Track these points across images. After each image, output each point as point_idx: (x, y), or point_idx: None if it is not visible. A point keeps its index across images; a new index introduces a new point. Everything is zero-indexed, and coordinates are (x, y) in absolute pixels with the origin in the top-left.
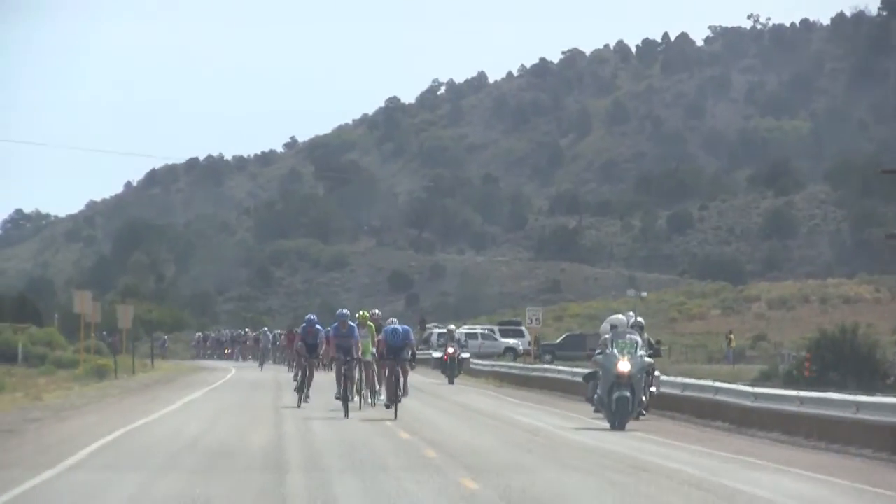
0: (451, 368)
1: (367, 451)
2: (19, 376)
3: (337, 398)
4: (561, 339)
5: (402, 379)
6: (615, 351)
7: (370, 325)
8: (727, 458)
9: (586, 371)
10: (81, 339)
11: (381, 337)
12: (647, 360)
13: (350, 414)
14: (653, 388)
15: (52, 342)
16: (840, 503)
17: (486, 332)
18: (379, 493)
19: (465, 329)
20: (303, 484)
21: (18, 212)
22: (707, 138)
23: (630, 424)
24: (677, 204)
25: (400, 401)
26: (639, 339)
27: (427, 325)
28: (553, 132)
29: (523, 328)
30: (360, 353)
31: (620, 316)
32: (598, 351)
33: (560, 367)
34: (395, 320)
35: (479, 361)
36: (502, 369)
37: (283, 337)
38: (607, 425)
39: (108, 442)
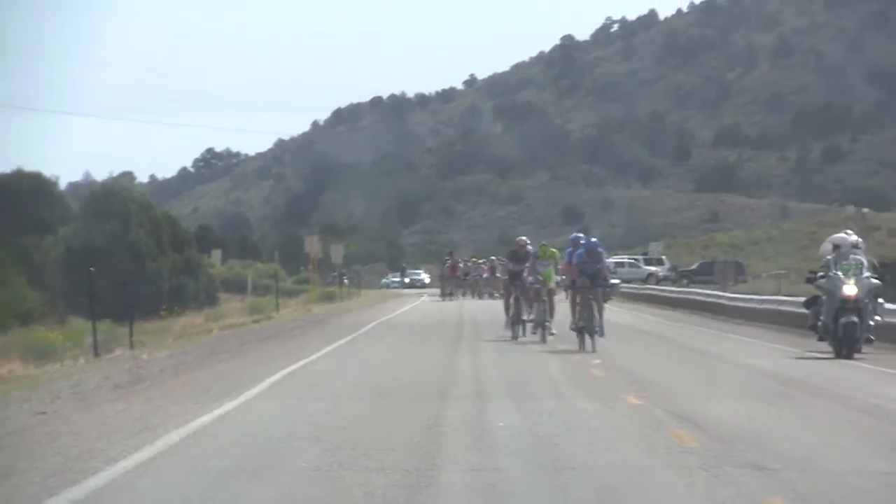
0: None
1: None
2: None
3: (572, 329)
4: (695, 265)
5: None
6: (839, 273)
7: (553, 252)
8: None
9: (804, 299)
10: (311, 272)
11: (571, 261)
12: (875, 281)
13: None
14: (877, 317)
15: (276, 274)
16: None
17: (632, 261)
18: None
19: (615, 259)
20: (468, 338)
21: (210, 150)
22: (867, 72)
23: (857, 354)
24: (831, 137)
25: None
26: (864, 260)
27: None
28: (720, 67)
29: (663, 257)
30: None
31: (843, 235)
32: (820, 274)
33: (709, 291)
34: (586, 240)
35: (627, 285)
36: (652, 292)
37: (446, 267)
38: (831, 354)
39: (377, 323)
